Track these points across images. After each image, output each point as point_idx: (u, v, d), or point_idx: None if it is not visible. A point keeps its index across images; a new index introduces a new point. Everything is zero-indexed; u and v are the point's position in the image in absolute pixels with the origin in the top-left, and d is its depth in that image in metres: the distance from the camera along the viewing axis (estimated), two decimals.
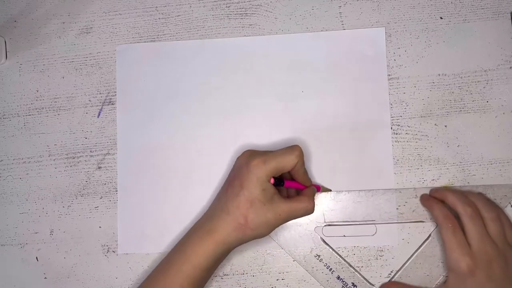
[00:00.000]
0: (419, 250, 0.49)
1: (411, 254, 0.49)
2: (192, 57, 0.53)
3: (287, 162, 0.44)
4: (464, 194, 0.46)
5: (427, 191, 0.49)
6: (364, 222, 0.49)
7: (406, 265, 0.49)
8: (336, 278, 0.49)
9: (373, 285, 0.49)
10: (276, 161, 0.43)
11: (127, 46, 0.53)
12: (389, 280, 0.49)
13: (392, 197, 0.49)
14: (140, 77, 0.53)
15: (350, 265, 0.49)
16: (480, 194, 0.48)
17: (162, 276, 0.43)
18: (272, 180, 0.43)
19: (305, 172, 0.46)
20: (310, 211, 0.45)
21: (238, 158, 0.46)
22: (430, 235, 0.49)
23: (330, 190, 0.50)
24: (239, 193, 0.43)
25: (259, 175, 0.43)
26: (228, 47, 0.53)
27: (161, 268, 0.44)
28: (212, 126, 0.52)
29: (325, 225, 0.50)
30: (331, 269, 0.49)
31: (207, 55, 0.53)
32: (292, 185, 0.46)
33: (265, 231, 0.44)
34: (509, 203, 0.49)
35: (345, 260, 0.49)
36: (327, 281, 0.49)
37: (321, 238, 0.49)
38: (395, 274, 0.49)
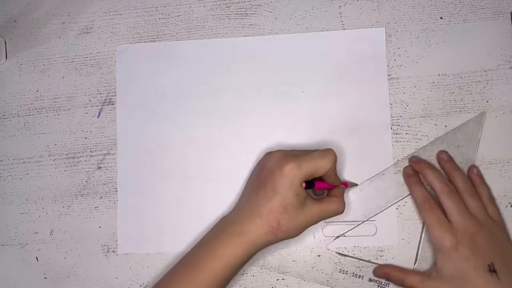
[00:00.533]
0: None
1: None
2: (192, 57, 0.53)
3: (321, 167, 0.43)
4: (442, 172, 0.47)
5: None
6: (365, 219, 0.49)
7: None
8: (368, 281, 0.49)
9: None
10: (310, 165, 0.43)
11: (127, 46, 0.53)
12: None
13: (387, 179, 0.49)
14: (140, 77, 0.53)
15: (374, 263, 0.49)
16: (460, 171, 0.48)
17: (191, 271, 0.43)
18: (304, 185, 0.43)
19: (336, 174, 0.46)
20: (341, 211, 0.45)
21: (268, 157, 0.45)
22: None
23: (357, 185, 0.50)
24: (272, 197, 0.43)
25: (293, 180, 0.42)
26: (228, 47, 0.53)
27: (189, 263, 0.44)
28: (212, 126, 0.52)
29: (325, 225, 0.50)
30: (359, 276, 0.49)
31: (207, 55, 0.53)
32: (322, 186, 0.46)
33: (296, 233, 0.44)
34: (509, 203, 0.49)
35: (369, 262, 0.49)
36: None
37: (336, 253, 0.49)
38: None
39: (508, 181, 0.49)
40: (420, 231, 0.49)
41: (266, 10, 0.53)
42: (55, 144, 0.53)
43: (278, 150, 0.45)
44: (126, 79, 0.53)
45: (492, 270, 0.42)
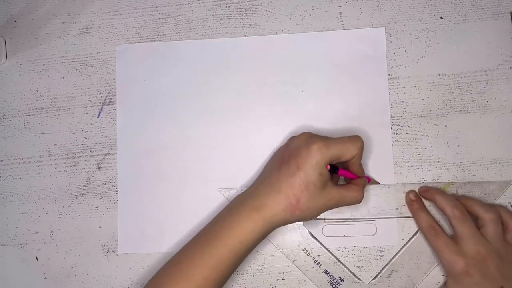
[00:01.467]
0: (407, 246, 0.49)
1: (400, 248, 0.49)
2: (192, 57, 0.53)
3: (348, 152, 0.43)
4: (452, 197, 0.47)
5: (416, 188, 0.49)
6: (365, 220, 0.49)
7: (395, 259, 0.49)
8: (323, 272, 0.49)
9: (360, 280, 0.49)
10: (338, 148, 0.43)
11: (127, 46, 0.53)
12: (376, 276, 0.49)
13: (392, 193, 0.49)
14: (140, 77, 0.53)
15: (338, 260, 0.49)
16: (480, 201, 0.47)
17: (206, 247, 0.42)
18: (328, 167, 0.43)
19: (360, 164, 0.46)
20: (359, 200, 0.45)
21: (294, 138, 0.45)
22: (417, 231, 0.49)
23: (379, 183, 0.50)
24: (294, 174, 0.42)
25: (319, 159, 0.42)
26: (228, 47, 0.53)
27: (204, 239, 0.43)
28: (212, 126, 0.52)
29: (325, 225, 0.50)
30: (318, 263, 0.49)
31: (207, 55, 0.53)
32: (345, 174, 0.46)
33: (313, 214, 0.43)
34: (509, 203, 0.49)
35: (332, 255, 0.49)
36: (314, 275, 0.49)
37: (309, 232, 0.49)
38: (383, 268, 0.49)
39: (508, 181, 0.49)
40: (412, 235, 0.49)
41: (266, 10, 0.53)
42: (55, 144, 0.53)
43: (305, 132, 0.45)
44: (126, 79, 0.53)
45: None
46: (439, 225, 0.46)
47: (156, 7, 0.54)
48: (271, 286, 0.50)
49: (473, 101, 0.51)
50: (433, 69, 0.51)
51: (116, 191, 0.52)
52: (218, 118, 0.52)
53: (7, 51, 0.54)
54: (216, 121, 0.52)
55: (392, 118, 0.51)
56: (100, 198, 0.52)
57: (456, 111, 0.51)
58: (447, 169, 0.50)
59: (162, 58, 0.53)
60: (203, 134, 0.52)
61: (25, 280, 0.52)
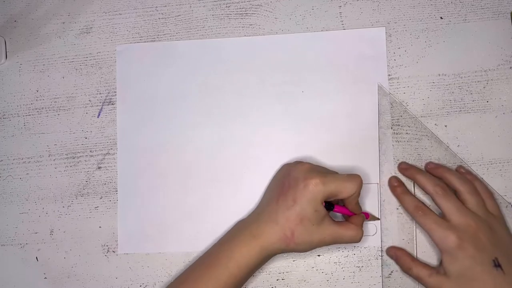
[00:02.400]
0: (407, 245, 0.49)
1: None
2: (192, 57, 0.53)
3: (346, 190, 0.44)
4: (432, 176, 0.47)
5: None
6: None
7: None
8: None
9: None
10: (335, 185, 0.43)
11: (127, 46, 0.53)
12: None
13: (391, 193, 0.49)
14: (140, 77, 0.53)
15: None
16: (453, 171, 0.48)
17: (207, 271, 0.44)
18: (323, 203, 0.43)
19: (358, 202, 0.46)
20: (357, 240, 0.45)
21: (295, 166, 0.46)
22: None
23: (379, 219, 0.49)
24: (291, 207, 0.43)
25: (315, 195, 0.43)
26: (228, 47, 0.53)
27: (205, 263, 0.45)
28: (212, 126, 0.52)
29: None
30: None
31: (207, 55, 0.53)
32: (341, 211, 0.46)
33: (306, 248, 0.45)
34: (510, 203, 0.49)
35: None
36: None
37: None
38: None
39: (508, 181, 0.49)
40: (414, 234, 0.49)
41: (266, 10, 0.53)
42: (55, 144, 0.53)
43: (308, 163, 0.46)
44: (126, 79, 0.53)
45: (497, 265, 0.42)
46: (426, 205, 0.46)
47: (156, 7, 0.54)
48: (271, 286, 0.50)
49: (473, 101, 0.51)
50: (433, 69, 0.51)
51: (116, 191, 0.52)
52: (218, 118, 0.52)
53: (7, 51, 0.54)
54: (215, 121, 0.52)
55: (392, 118, 0.51)
56: (100, 198, 0.52)
57: (456, 111, 0.51)
58: None
59: (162, 58, 0.53)
60: (203, 133, 0.52)
61: (25, 280, 0.52)
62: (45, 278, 0.52)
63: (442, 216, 0.45)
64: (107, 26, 0.54)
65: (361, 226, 0.46)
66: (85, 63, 0.54)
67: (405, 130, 0.51)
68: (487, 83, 0.51)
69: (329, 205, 0.45)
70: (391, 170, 0.50)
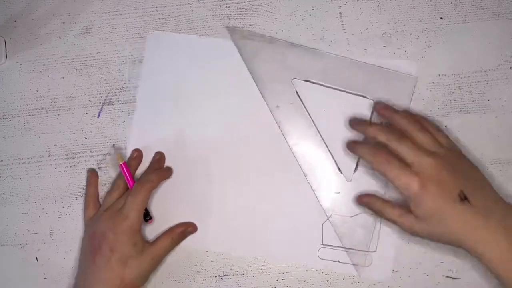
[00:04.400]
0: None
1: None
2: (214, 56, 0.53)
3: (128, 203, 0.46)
4: (381, 116, 0.47)
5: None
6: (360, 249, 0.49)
7: None
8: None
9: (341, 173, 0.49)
10: (128, 211, 0.46)
11: (158, 33, 0.53)
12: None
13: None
14: (166, 67, 0.53)
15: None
16: (400, 112, 0.47)
17: None
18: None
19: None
20: (171, 246, 0.48)
21: (93, 222, 0.48)
22: None
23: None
24: (110, 258, 0.44)
25: (128, 233, 0.45)
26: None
27: None
28: (217, 126, 0.52)
29: (321, 247, 0.50)
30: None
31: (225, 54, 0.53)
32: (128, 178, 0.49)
33: (143, 280, 0.46)
34: (509, 203, 0.49)
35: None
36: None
37: None
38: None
39: (508, 181, 0.49)
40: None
41: (266, 10, 0.53)
42: (55, 144, 0.53)
43: (104, 213, 0.47)
44: (151, 69, 0.53)
45: (463, 198, 0.41)
46: (384, 151, 0.44)
47: (156, 7, 0.54)
48: (271, 286, 0.50)
49: (473, 101, 0.51)
50: (433, 69, 0.51)
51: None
52: (226, 118, 0.52)
53: (7, 51, 0.54)
54: (221, 121, 0.52)
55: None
56: (100, 198, 0.52)
57: (456, 111, 0.51)
58: None
59: (191, 52, 0.53)
60: (203, 134, 0.52)
61: (25, 280, 0.52)
62: (45, 278, 0.52)
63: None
64: (107, 26, 0.54)
65: (168, 234, 0.49)
66: (85, 63, 0.54)
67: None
68: (487, 83, 0.51)
69: (147, 215, 0.49)
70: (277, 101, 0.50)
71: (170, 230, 0.49)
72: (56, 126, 0.53)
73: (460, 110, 0.51)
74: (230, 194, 0.51)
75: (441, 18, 0.52)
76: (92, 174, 0.51)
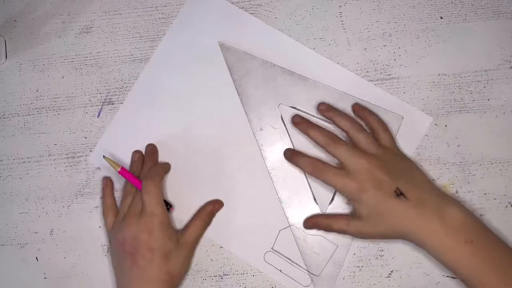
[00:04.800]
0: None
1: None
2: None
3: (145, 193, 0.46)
4: (319, 126, 0.48)
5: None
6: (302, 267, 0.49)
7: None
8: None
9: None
10: (150, 202, 0.45)
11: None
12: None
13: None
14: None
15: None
16: (342, 113, 0.48)
17: None
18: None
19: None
20: (205, 226, 0.48)
21: (118, 231, 0.46)
22: None
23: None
24: (153, 258, 0.44)
25: (162, 228, 0.45)
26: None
27: None
28: (220, 124, 0.52)
29: (269, 251, 0.50)
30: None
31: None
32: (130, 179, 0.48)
33: (187, 268, 0.47)
34: (509, 203, 0.49)
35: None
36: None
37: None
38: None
39: (508, 181, 0.49)
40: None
41: (266, 10, 0.53)
42: (55, 144, 0.53)
43: (120, 220, 0.47)
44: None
45: (398, 194, 0.43)
46: (321, 161, 0.46)
47: (156, 7, 0.54)
48: (271, 286, 0.50)
49: (473, 101, 0.51)
50: (433, 69, 0.51)
51: (116, 191, 0.52)
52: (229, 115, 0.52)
53: (7, 51, 0.54)
54: (223, 119, 0.52)
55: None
56: (100, 198, 0.52)
57: (456, 111, 0.51)
58: (447, 169, 0.50)
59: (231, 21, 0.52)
60: (200, 133, 0.52)
61: (25, 280, 0.52)
62: (45, 278, 0.52)
63: (340, 165, 0.45)
64: (107, 26, 0.54)
65: (198, 216, 0.48)
66: (85, 63, 0.54)
67: (256, 75, 0.51)
68: (487, 83, 0.51)
69: (167, 205, 0.48)
70: (256, 115, 0.51)
71: (199, 212, 0.49)
72: (56, 125, 0.53)
73: (460, 110, 0.51)
74: (230, 194, 0.51)
75: (441, 17, 0.52)
76: (107, 184, 0.51)
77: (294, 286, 0.49)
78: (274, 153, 0.50)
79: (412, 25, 0.52)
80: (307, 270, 0.49)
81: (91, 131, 0.53)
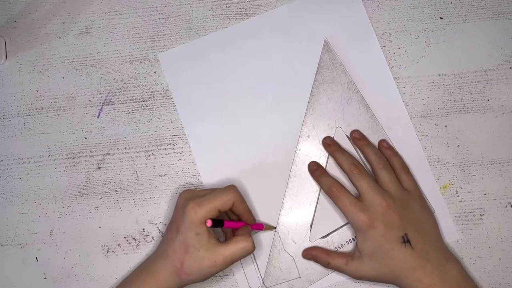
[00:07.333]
0: None
1: None
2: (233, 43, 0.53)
3: (224, 202, 0.44)
4: (350, 154, 0.48)
5: None
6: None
7: None
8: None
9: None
10: (211, 202, 0.43)
11: (168, 53, 0.53)
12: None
13: None
14: (188, 77, 0.53)
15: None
16: (372, 146, 0.49)
17: None
18: (209, 223, 0.42)
19: (247, 209, 0.46)
20: (250, 250, 0.44)
21: (178, 198, 0.46)
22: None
23: (275, 228, 0.49)
24: (175, 238, 0.44)
25: (193, 219, 0.43)
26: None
27: None
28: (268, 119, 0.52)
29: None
30: None
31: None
32: (231, 225, 0.45)
33: (201, 277, 0.44)
34: (509, 203, 0.49)
35: None
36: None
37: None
38: None
39: (508, 181, 0.49)
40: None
41: (266, 10, 0.53)
42: (55, 144, 0.53)
43: (185, 190, 0.46)
44: (176, 81, 0.53)
45: (405, 241, 0.44)
46: (342, 186, 0.47)
47: (156, 7, 0.54)
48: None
49: (473, 101, 0.51)
50: (433, 69, 0.51)
51: (116, 191, 0.52)
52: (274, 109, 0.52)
53: (7, 51, 0.54)
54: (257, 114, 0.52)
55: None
56: (100, 198, 0.52)
57: (456, 111, 0.51)
58: (447, 169, 0.50)
59: (201, 54, 0.53)
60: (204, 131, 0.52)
61: (25, 280, 0.52)
62: (45, 278, 0.52)
63: (358, 195, 0.46)
64: (107, 26, 0.54)
65: (248, 235, 0.45)
66: (85, 63, 0.54)
67: (336, 89, 0.50)
68: (487, 83, 0.51)
69: (217, 222, 0.43)
70: (313, 122, 0.50)
71: (249, 233, 0.46)
72: (56, 126, 0.53)
73: (460, 110, 0.51)
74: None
75: (441, 18, 0.52)
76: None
77: (243, 283, 0.49)
78: (304, 164, 0.50)
79: (412, 25, 0.52)
80: (262, 278, 0.49)
81: (91, 132, 0.53)
